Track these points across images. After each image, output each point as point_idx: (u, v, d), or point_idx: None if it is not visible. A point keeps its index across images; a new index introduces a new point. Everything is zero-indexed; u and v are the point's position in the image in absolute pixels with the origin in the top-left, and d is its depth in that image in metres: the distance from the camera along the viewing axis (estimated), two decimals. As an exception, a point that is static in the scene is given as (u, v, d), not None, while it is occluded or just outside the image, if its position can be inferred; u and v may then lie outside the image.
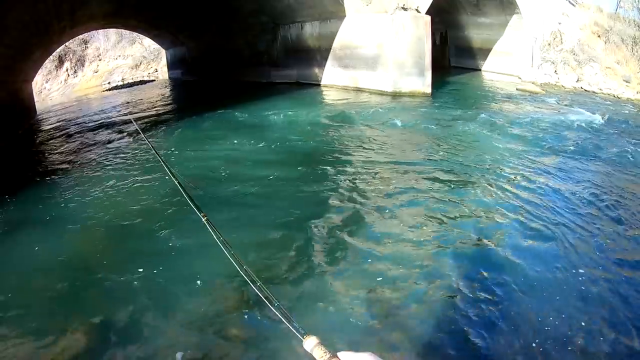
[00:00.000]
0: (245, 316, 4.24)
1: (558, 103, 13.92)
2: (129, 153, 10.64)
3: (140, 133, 9.55)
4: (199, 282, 4.82)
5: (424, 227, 5.87)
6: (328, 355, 1.43)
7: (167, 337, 4.11)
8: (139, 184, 8.20)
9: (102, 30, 30.93)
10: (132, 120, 11.70)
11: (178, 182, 4.82)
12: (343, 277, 4.82)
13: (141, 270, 5.14)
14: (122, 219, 6.71)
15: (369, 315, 4.23)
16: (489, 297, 4.40)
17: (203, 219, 3.74)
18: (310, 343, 1.52)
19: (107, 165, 9.83)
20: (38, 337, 4.33)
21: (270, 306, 1.99)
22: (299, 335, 1.58)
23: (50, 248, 6.09)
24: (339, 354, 1.41)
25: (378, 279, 4.75)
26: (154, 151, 6.91)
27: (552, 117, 11.73)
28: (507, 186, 7.19)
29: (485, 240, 5.50)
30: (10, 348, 4.23)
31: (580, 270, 4.78)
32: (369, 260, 5.10)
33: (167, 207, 6.82)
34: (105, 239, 6.20)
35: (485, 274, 4.81)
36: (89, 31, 28.43)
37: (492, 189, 7.10)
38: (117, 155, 10.57)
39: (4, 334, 4.40)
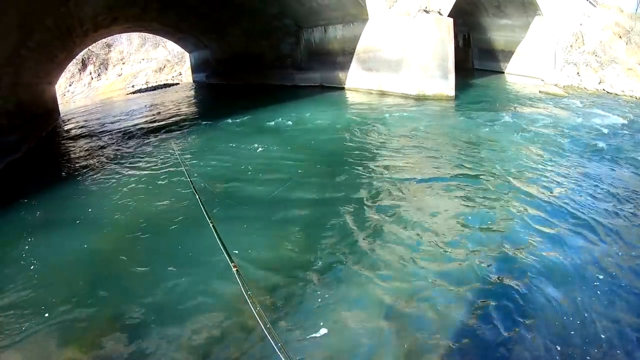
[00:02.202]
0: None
1: (581, 106, 13.90)
2: (152, 160, 10.81)
3: (180, 162, 9.55)
4: (212, 323, 4.61)
5: (450, 236, 5.88)
6: None
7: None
8: (161, 195, 8.22)
9: (125, 33, 31.49)
10: (173, 147, 11.68)
11: (213, 225, 5.05)
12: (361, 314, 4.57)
13: (158, 288, 5.21)
14: (144, 230, 6.77)
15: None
16: (515, 306, 4.47)
17: (233, 270, 4.04)
18: None
19: (130, 171, 10.01)
20: (59, 330, 4.64)
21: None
22: None
23: (70, 250, 6.35)
24: None
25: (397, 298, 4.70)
26: (190, 182, 7.17)
27: (575, 120, 11.78)
28: (533, 191, 7.24)
29: (509, 246, 5.56)
30: (34, 338, 4.55)
31: (601, 277, 4.85)
32: (388, 279, 5.02)
33: (192, 235, 6.42)
34: (124, 247, 6.31)
35: (511, 281, 4.87)
36: (112, 35, 28.87)
37: (517, 193, 7.15)
38: (141, 162, 10.76)
39: (29, 326, 4.72)
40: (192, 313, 4.71)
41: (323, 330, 4.32)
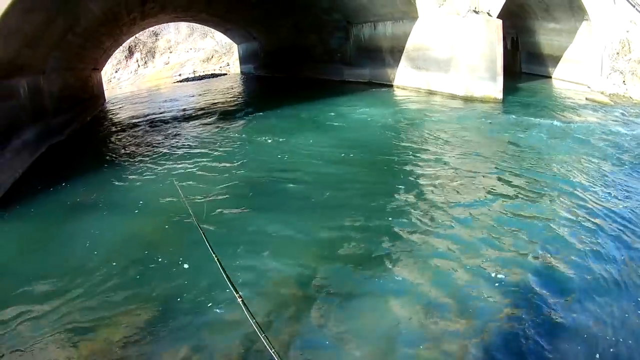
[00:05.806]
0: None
1: (626, 115, 13.81)
2: (192, 152, 11.13)
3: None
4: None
5: (490, 245, 5.85)
6: None
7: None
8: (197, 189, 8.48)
9: (172, 23, 32.48)
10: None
11: (220, 264, 4.72)
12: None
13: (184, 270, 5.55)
14: (173, 220, 7.05)
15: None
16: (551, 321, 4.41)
17: (238, 300, 3.92)
18: None
19: (170, 161, 10.42)
20: (93, 309, 4.93)
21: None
22: None
23: (108, 232, 6.75)
24: None
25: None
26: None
27: (621, 129, 11.74)
28: (576, 201, 7.10)
29: (549, 257, 5.52)
30: (72, 316, 4.81)
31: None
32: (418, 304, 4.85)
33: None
34: (155, 235, 6.64)
35: (547, 293, 4.80)
36: (160, 24, 29.79)
37: (561, 202, 7.09)
38: (180, 152, 11.18)
39: (67, 306, 4.98)
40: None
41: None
